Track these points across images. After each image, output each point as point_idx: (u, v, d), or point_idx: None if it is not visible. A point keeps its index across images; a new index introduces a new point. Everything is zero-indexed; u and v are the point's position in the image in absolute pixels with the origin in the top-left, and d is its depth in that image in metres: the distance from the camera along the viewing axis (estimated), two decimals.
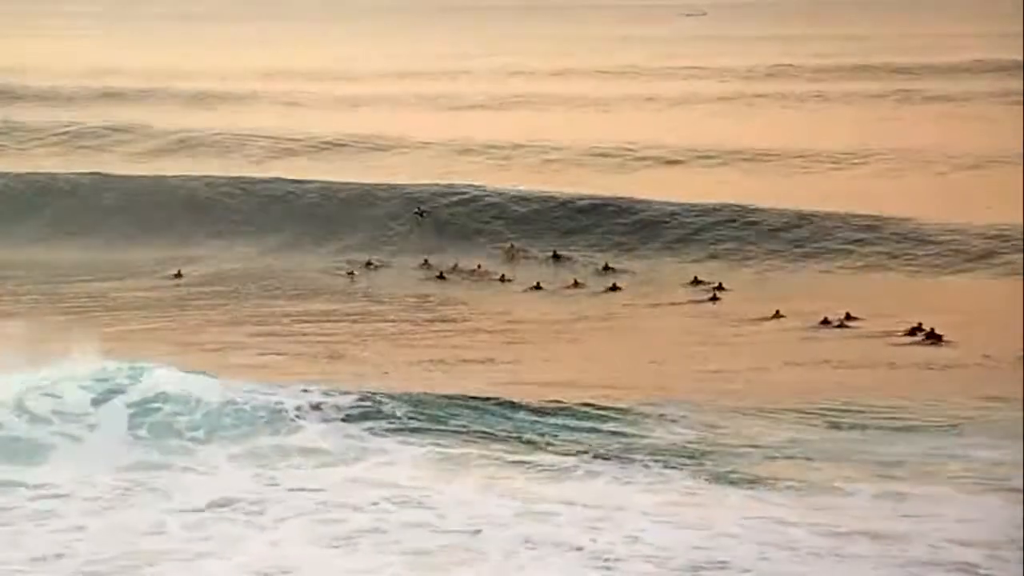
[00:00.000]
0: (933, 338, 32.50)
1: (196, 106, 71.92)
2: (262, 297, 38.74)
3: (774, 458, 24.10)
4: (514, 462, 24.23)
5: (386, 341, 33.84)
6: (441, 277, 41.00)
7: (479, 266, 41.75)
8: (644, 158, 55.78)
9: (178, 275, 41.35)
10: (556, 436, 25.43)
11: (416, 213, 45.38)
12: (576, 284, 39.86)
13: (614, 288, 39.42)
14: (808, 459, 24.01)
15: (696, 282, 39.25)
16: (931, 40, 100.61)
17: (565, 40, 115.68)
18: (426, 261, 42.40)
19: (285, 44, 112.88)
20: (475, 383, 28.91)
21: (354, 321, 36.16)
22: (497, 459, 24.41)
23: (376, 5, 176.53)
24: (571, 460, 24.21)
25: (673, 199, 45.14)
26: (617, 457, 24.27)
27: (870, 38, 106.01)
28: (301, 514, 21.89)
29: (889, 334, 33.09)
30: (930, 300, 36.29)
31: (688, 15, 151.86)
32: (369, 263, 42.32)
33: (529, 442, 25.15)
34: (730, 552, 20.33)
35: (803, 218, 43.00)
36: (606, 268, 41.27)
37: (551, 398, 27.40)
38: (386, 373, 29.90)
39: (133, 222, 45.46)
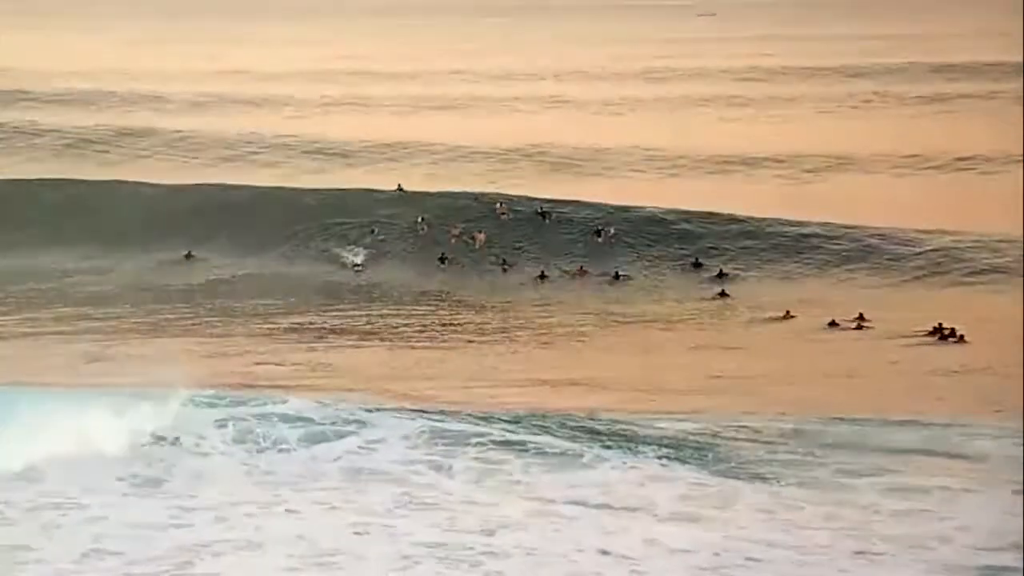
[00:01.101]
0: (952, 337, 32.70)
1: (193, 110, 71.63)
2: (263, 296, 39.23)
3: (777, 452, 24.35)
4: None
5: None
6: (443, 259, 41.66)
7: (480, 230, 42.77)
8: (648, 162, 55.73)
9: (188, 255, 42.28)
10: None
11: (398, 189, 46.01)
12: (582, 271, 40.50)
13: (617, 277, 40.03)
14: (813, 455, 24.21)
15: (697, 264, 40.09)
16: (937, 41, 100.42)
17: (573, 41, 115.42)
18: (422, 219, 43.37)
19: (286, 44, 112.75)
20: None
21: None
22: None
23: (376, 6, 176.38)
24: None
25: (668, 206, 44.95)
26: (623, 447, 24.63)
27: (877, 38, 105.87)
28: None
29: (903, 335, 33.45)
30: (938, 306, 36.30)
31: (700, 15, 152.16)
32: (373, 230, 43.25)
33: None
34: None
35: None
36: (597, 232, 42.05)
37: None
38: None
39: (138, 228, 45.01)
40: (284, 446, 24.97)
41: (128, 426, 24.77)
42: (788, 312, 35.61)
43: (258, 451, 24.81)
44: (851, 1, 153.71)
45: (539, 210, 43.80)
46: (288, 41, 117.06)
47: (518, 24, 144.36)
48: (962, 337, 32.50)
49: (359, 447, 24.80)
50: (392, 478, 23.52)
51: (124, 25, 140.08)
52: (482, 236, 42.73)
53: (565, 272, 40.63)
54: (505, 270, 41.20)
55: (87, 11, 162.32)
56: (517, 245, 42.45)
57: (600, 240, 42.28)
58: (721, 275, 39.65)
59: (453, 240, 42.70)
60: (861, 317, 34.71)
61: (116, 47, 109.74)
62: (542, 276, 40.40)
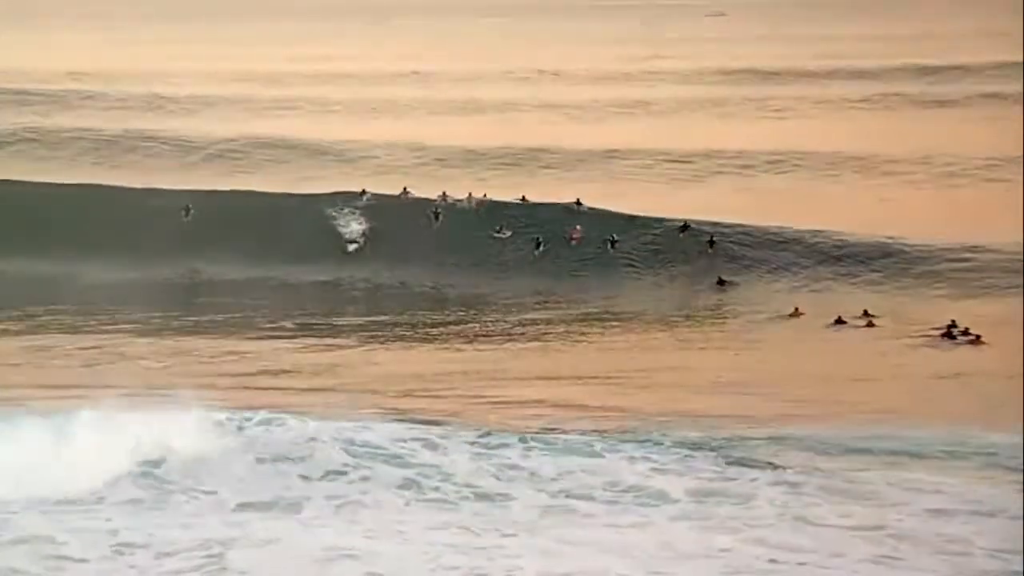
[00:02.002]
0: (965, 336, 32.75)
1: (191, 111, 71.21)
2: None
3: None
4: None
5: None
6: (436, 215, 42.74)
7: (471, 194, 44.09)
8: (651, 164, 55.53)
9: (187, 210, 43.49)
10: None
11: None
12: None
13: (613, 243, 40.67)
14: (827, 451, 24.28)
15: (685, 228, 40.88)
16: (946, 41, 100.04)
17: (578, 41, 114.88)
18: (405, 189, 44.88)
19: (283, 45, 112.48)
20: None
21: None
22: None
23: (377, 6, 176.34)
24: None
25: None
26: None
27: (877, 38, 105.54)
28: None
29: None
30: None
31: (708, 15, 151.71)
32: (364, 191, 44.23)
33: None
34: None
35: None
36: (578, 202, 42.90)
37: None
38: None
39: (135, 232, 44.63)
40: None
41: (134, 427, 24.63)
42: (797, 309, 35.89)
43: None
44: (851, 1, 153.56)
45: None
46: (285, 42, 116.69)
47: (519, 25, 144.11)
48: (979, 338, 32.52)
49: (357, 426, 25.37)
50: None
51: (124, 25, 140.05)
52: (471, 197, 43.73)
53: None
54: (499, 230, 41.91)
55: (85, 11, 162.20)
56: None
57: (581, 208, 42.71)
58: (711, 243, 40.22)
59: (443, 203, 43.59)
60: (866, 313, 34.97)
61: (115, 48, 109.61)
62: (538, 244, 41.02)
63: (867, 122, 66.31)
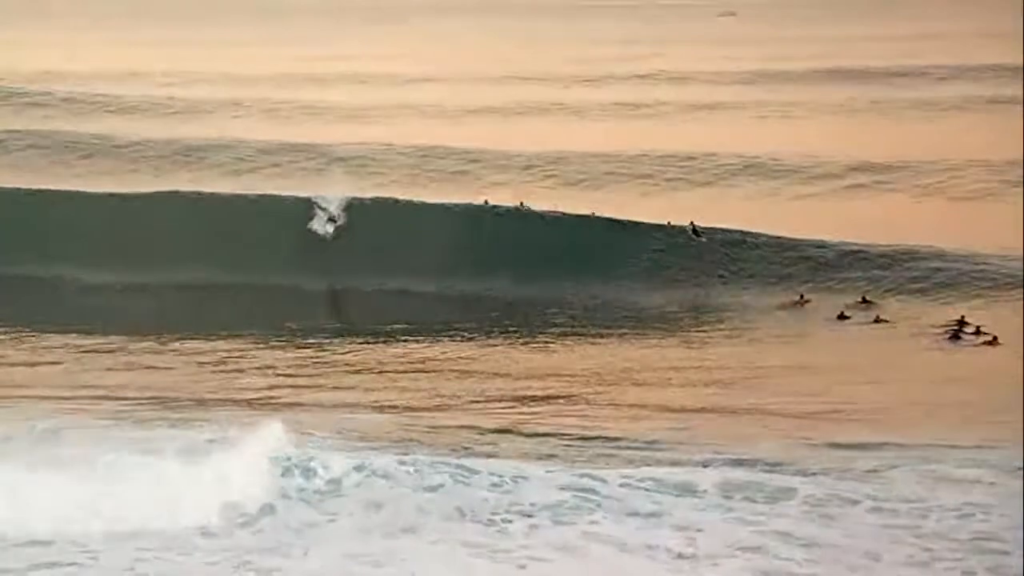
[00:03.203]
0: (976, 335, 32.61)
1: (184, 114, 70.99)
2: None
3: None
4: None
5: None
6: None
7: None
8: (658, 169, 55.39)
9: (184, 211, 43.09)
10: None
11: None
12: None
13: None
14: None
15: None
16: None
17: (590, 42, 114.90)
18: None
19: (279, 46, 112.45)
20: None
21: None
22: None
23: (377, 5, 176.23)
24: None
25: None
26: None
27: (888, 39, 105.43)
28: None
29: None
30: None
31: (719, 15, 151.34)
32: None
33: None
34: None
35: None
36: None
37: None
38: None
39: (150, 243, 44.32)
40: None
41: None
42: (803, 296, 36.39)
43: None
44: (849, 1, 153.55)
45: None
46: (282, 42, 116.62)
47: (520, 25, 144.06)
48: (995, 339, 32.31)
49: None
50: None
51: (123, 25, 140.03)
52: None
53: None
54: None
55: (82, 11, 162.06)
56: None
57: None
58: (696, 231, 40.37)
59: None
60: (866, 301, 35.44)
61: (113, 47, 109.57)
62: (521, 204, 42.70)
63: (868, 122, 66.27)
